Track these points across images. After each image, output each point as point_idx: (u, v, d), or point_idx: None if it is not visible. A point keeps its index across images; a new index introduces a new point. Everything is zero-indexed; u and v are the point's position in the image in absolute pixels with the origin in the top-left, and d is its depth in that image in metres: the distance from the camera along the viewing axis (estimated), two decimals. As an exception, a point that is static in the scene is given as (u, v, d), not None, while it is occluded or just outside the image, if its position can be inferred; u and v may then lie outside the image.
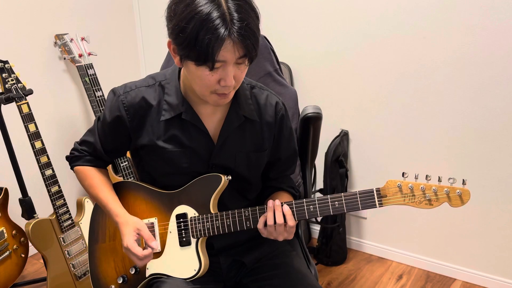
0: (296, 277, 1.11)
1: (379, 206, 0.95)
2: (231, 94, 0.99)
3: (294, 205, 1.02)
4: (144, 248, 1.05)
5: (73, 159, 1.22)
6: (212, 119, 1.10)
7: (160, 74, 1.12)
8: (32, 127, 1.72)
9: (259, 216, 1.04)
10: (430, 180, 0.92)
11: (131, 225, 1.08)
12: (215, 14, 0.84)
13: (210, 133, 1.09)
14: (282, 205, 1.02)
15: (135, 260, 1.05)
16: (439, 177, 0.92)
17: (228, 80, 0.93)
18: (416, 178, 0.94)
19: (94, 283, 1.21)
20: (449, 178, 0.90)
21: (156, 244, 1.06)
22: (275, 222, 1.01)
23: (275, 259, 1.18)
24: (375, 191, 0.95)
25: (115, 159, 1.24)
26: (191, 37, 0.86)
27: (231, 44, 0.87)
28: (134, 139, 1.12)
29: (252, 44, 0.89)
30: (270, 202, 1.02)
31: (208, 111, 1.09)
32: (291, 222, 1.01)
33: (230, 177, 1.09)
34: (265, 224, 1.02)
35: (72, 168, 1.24)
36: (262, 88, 1.16)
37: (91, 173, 1.19)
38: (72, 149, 1.23)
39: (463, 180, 0.90)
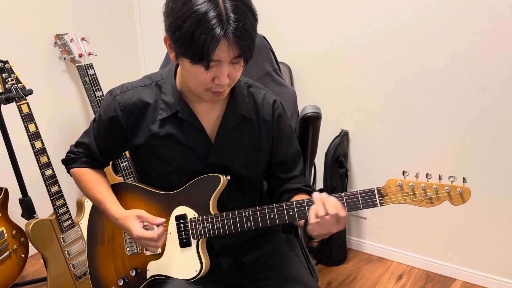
0: (292, 278, 1.11)
1: (381, 205, 0.95)
2: (225, 92, 0.99)
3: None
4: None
5: (69, 162, 1.21)
6: (209, 117, 1.09)
7: (157, 74, 1.12)
8: (32, 127, 1.72)
9: (260, 217, 1.03)
10: (430, 178, 0.92)
11: (130, 216, 1.06)
12: (211, 13, 0.84)
13: (207, 132, 1.09)
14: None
15: (151, 244, 1.03)
16: (439, 175, 0.92)
17: (222, 78, 0.93)
18: (416, 176, 0.94)
19: (94, 285, 1.20)
20: (450, 177, 0.90)
21: (160, 220, 1.05)
22: (326, 214, 0.95)
23: (273, 259, 1.18)
24: (376, 191, 0.95)
25: (111, 160, 1.23)
26: (187, 36, 0.86)
27: (226, 44, 0.87)
28: (130, 139, 1.11)
29: (247, 45, 0.89)
30: (315, 194, 0.98)
31: (205, 110, 1.08)
32: (342, 213, 0.95)
33: (229, 177, 1.08)
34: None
35: (68, 171, 1.23)
36: (260, 87, 1.16)
37: (87, 173, 1.18)
38: (68, 152, 1.22)
39: (464, 178, 0.90)
